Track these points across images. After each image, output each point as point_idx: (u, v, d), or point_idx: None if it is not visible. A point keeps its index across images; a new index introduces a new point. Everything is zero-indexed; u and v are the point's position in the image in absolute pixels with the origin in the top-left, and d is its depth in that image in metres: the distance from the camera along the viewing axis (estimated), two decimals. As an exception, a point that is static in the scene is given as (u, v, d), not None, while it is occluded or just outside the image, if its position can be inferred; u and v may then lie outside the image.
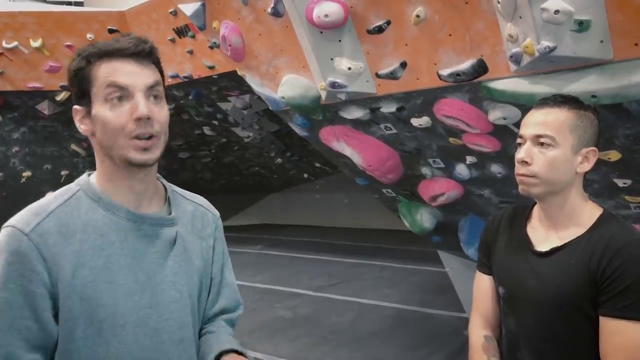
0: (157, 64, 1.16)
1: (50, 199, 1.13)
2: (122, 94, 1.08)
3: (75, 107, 1.13)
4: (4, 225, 1.08)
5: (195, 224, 1.27)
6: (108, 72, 1.09)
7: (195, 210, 1.30)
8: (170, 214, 1.22)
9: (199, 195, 1.36)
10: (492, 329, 1.62)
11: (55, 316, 1.06)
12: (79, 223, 1.10)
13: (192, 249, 1.24)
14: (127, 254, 1.12)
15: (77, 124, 1.14)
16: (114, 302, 1.09)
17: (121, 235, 1.12)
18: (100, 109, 1.09)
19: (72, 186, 1.16)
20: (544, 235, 1.49)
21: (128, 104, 1.08)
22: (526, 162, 1.42)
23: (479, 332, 1.62)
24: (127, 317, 1.10)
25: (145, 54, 1.11)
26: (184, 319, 1.19)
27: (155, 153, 1.12)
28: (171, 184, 1.29)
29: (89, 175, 1.19)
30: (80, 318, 1.06)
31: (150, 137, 1.10)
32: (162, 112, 1.12)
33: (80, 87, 1.11)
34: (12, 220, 1.07)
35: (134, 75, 1.09)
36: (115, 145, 1.10)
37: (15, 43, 6.78)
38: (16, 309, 1.03)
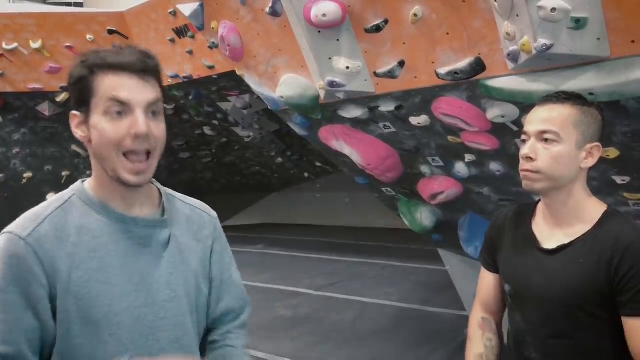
0: (159, 78, 1.17)
1: (46, 205, 1.16)
2: (123, 109, 1.10)
3: (74, 112, 1.15)
4: (1, 232, 1.11)
5: (192, 226, 1.29)
6: (111, 85, 1.10)
7: (192, 213, 1.32)
8: (163, 216, 1.24)
9: (195, 199, 1.37)
10: (492, 315, 1.66)
11: (54, 316, 1.09)
12: (72, 227, 1.13)
13: (187, 251, 1.26)
14: (120, 256, 1.14)
15: (73, 128, 1.16)
16: (108, 302, 1.11)
17: (114, 237, 1.15)
18: (99, 120, 1.11)
19: (67, 192, 1.20)
20: (549, 233, 1.50)
21: (127, 119, 1.10)
22: (530, 158, 1.43)
23: (477, 314, 1.68)
24: (122, 316, 1.12)
25: (150, 70, 1.13)
26: (180, 318, 1.21)
27: (149, 175, 1.14)
28: (166, 188, 1.31)
29: (83, 181, 1.22)
30: (77, 318, 1.09)
31: (147, 155, 1.12)
32: (159, 128, 1.14)
33: (81, 95, 1.12)
34: (10, 227, 1.11)
35: (136, 91, 1.11)
36: (108, 159, 1.12)
37: (15, 44, 6.79)
38: (18, 311, 1.06)
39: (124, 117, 1.10)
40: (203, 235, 1.31)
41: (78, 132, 1.15)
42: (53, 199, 1.18)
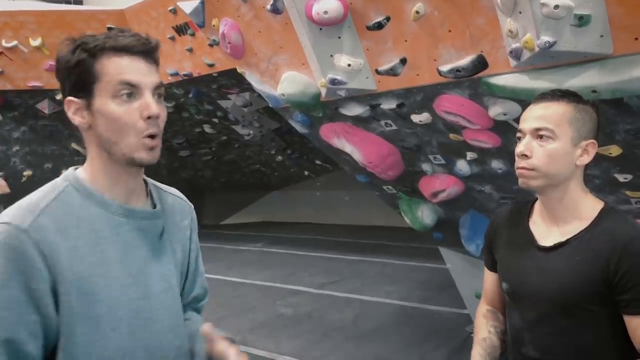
0: (158, 63, 1.17)
1: (39, 195, 1.12)
2: (132, 91, 1.09)
3: (71, 98, 1.12)
4: None
5: (175, 215, 1.29)
6: (118, 68, 1.08)
7: (174, 202, 1.32)
8: (154, 207, 1.23)
9: (172, 187, 1.37)
10: (498, 310, 1.68)
11: (57, 311, 1.07)
12: (72, 219, 1.09)
13: (175, 241, 1.27)
14: (119, 248, 1.13)
15: (70, 115, 1.13)
16: (110, 296, 1.10)
17: (113, 230, 1.13)
18: (107, 104, 1.09)
19: (59, 181, 1.15)
20: (546, 230, 1.50)
21: (137, 102, 1.09)
22: (526, 156, 1.43)
23: (483, 307, 1.70)
24: (122, 310, 1.12)
25: (152, 53, 1.13)
26: (174, 308, 1.23)
27: (159, 152, 1.14)
28: (147, 177, 1.30)
29: (75, 169, 1.18)
30: (79, 313, 1.07)
31: (154, 137, 1.12)
32: (164, 111, 1.15)
33: (81, 80, 1.09)
34: (5, 218, 1.05)
35: (143, 73, 1.10)
36: (121, 143, 1.10)
37: (14, 42, 6.79)
38: (21, 306, 1.02)
39: (133, 99, 1.09)
40: (183, 224, 1.32)
41: (76, 118, 1.12)
42: (45, 189, 1.14)
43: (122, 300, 1.12)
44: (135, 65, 1.10)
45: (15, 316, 1.02)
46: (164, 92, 1.17)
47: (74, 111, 1.12)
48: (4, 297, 1.02)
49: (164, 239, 1.22)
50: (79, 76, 1.09)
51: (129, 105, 1.09)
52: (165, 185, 1.34)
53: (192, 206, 1.37)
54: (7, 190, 6.87)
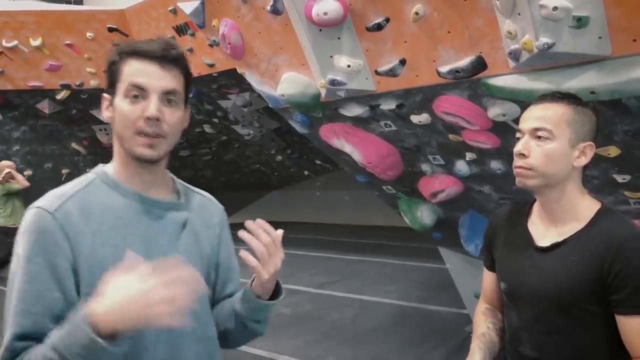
0: (184, 71, 1.23)
1: (70, 185, 1.21)
2: (140, 93, 1.17)
3: (105, 95, 1.23)
4: (28, 207, 1.17)
5: (203, 213, 1.36)
6: (132, 70, 1.18)
7: (202, 201, 1.39)
8: (179, 200, 1.31)
9: (203, 190, 1.44)
10: (496, 308, 1.70)
11: (77, 291, 1.12)
12: (97, 206, 1.18)
13: (201, 235, 1.33)
14: (141, 235, 1.19)
15: (103, 110, 1.24)
16: None
17: (135, 217, 1.20)
18: (120, 101, 1.18)
19: (89, 175, 1.25)
20: (544, 231, 1.51)
21: (143, 103, 1.17)
22: (523, 155, 1.44)
23: (482, 305, 1.72)
24: None
25: (170, 59, 1.19)
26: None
27: (159, 151, 1.20)
28: (177, 179, 1.38)
29: (104, 165, 1.28)
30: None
31: (156, 136, 1.18)
32: (173, 116, 1.20)
33: (111, 78, 1.21)
34: (37, 203, 1.16)
35: (154, 77, 1.17)
36: (124, 137, 1.19)
37: (15, 42, 6.79)
38: (43, 281, 1.09)
39: (141, 100, 1.17)
40: (213, 222, 1.38)
41: (106, 113, 1.23)
42: (76, 181, 1.23)
43: None
44: (147, 69, 1.17)
45: (37, 290, 1.09)
46: (181, 99, 1.22)
47: (106, 106, 1.23)
48: (29, 271, 1.10)
49: (188, 230, 1.28)
50: (110, 75, 1.22)
51: (135, 105, 1.17)
52: (196, 188, 1.42)
53: (223, 207, 1.44)
54: (26, 183, 6.92)
